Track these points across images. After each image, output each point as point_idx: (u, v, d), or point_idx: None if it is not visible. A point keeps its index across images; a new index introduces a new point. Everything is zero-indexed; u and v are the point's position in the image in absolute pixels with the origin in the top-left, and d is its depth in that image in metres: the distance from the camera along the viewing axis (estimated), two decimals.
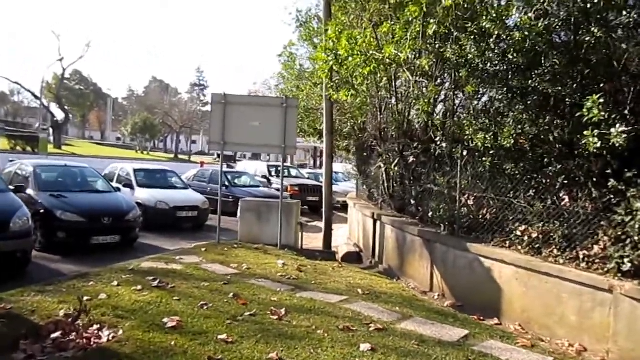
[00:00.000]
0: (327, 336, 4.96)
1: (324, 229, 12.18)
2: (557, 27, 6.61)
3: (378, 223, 10.80)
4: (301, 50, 19.38)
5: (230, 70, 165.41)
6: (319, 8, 16.34)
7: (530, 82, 6.80)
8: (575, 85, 6.49)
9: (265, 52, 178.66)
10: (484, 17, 6.61)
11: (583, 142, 5.73)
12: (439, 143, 8.48)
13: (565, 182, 6.57)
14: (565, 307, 5.84)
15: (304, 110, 16.49)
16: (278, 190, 18.49)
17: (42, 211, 9.63)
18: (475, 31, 6.93)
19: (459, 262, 7.63)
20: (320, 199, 19.27)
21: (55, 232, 9.61)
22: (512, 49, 6.68)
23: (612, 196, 5.77)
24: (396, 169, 10.33)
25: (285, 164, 13.30)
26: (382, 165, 10.80)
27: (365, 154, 13.62)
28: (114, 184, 12.89)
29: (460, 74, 7.28)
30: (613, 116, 5.55)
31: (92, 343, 4.57)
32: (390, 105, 10.79)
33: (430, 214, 8.64)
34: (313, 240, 12.84)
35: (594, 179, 6.20)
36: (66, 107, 71.89)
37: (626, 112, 5.95)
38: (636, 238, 5.28)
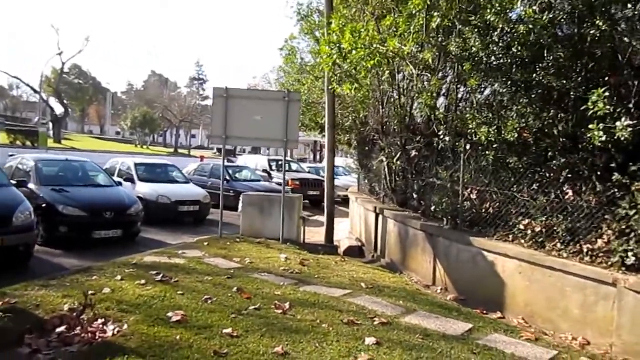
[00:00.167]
0: (332, 330, 4.97)
1: (325, 222, 12.18)
2: (562, 20, 6.57)
3: (380, 217, 10.79)
4: (302, 44, 19.32)
5: (229, 66, 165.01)
6: (320, 1, 16.30)
7: (534, 75, 6.76)
8: (579, 79, 6.47)
9: (263, 47, 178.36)
10: (488, 10, 6.56)
11: (588, 135, 5.70)
12: (442, 137, 8.44)
13: (569, 175, 6.55)
14: (569, 300, 5.83)
15: (305, 104, 16.44)
16: (279, 184, 18.52)
17: (43, 205, 9.62)
18: (479, 24, 6.90)
19: (461, 256, 7.62)
20: (321, 193, 19.32)
21: (57, 226, 9.61)
22: (516, 42, 6.63)
23: (616, 190, 5.76)
24: (398, 162, 10.31)
25: (286, 158, 13.27)
26: (384, 159, 10.78)
27: (366, 148, 13.59)
28: (115, 178, 12.87)
29: (464, 67, 7.24)
30: (618, 110, 5.53)
31: (97, 337, 4.58)
32: (392, 99, 10.76)
33: (433, 207, 8.62)
34: (315, 234, 12.83)
35: (598, 173, 6.18)
36: (65, 101, 71.66)
37: (630, 105, 5.92)
38: None
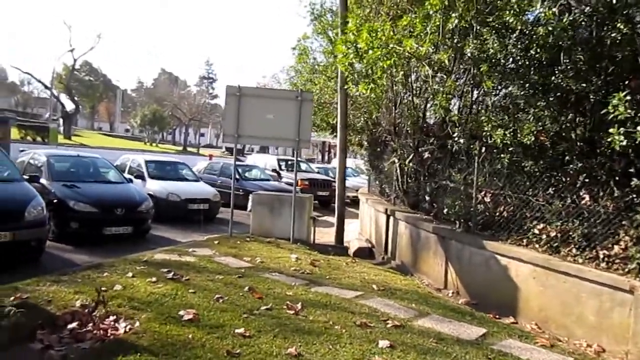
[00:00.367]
0: (345, 332, 4.91)
1: (336, 223, 12.12)
2: (582, 22, 6.49)
3: (391, 219, 10.73)
4: (315, 44, 19.29)
5: (231, 66, 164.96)
6: (333, 1, 16.27)
7: (552, 78, 6.69)
8: (599, 82, 6.38)
9: (269, 48, 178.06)
10: (507, 12, 6.49)
11: (607, 140, 5.62)
12: (456, 139, 8.36)
13: (586, 180, 6.47)
14: (584, 306, 5.76)
15: (317, 104, 16.39)
16: (288, 184, 18.49)
17: (55, 201, 9.62)
18: (498, 26, 6.83)
19: (474, 260, 7.55)
20: (330, 193, 19.30)
21: (68, 222, 9.62)
22: (534, 44, 6.56)
23: (634, 195, 5.68)
24: (410, 164, 10.25)
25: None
26: (396, 161, 10.72)
27: (378, 149, 13.52)
28: (126, 175, 12.88)
29: (480, 69, 7.17)
30: (639, 114, 5.45)
31: (109, 334, 4.53)
32: (405, 100, 10.69)
33: (445, 210, 8.54)
34: (324, 235, 12.80)
35: (616, 178, 6.10)
36: (76, 98, 71.98)
37: None
38: None
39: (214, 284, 6.31)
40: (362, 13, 10.68)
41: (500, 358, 4.69)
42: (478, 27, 7.15)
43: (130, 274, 6.42)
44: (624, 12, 6.02)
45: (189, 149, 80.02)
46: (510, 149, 7.25)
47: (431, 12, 7.26)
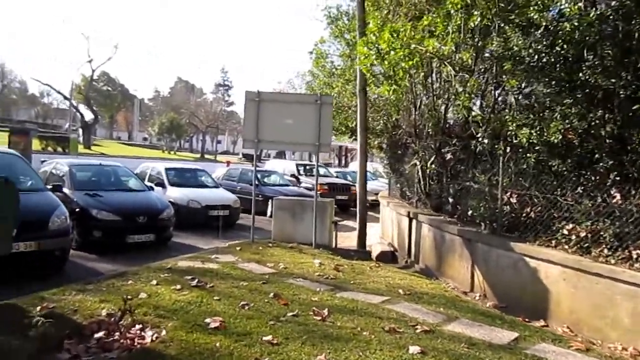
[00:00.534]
0: (374, 338, 4.81)
1: (358, 227, 12.02)
2: (610, 17, 6.32)
3: (414, 222, 10.59)
4: (332, 48, 19.24)
5: (249, 73, 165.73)
6: (350, 4, 16.23)
7: (579, 74, 6.53)
8: (628, 77, 6.21)
9: (283, 54, 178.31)
10: (531, 8, 6.37)
11: (639, 136, 5.46)
12: (480, 139, 8.22)
13: (617, 178, 6.29)
14: (618, 309, 5.58)
15: (335, 108, 16.30)
16: (307, 188, 18.43)
17: (77, 210, 9.66)
18: (521, 22, 6.70)
19: (501, 262, 7.39)
20: (349, 197, 19.19)
21: (91, 230, 9.66)
22: (560, 40, 6.42)
23: None
24: (433, 166, 10.11)
25: (313, 163, 13.17)
26: (418, 163, 10.59)
27: (398, 152, 13.38)
28: (147, 183, 12.92)
29: (504, 67, 7.04)
30: None
31: (135, 343, 4.49)
32: (426, 101, 10.57)
33: (470, 212, 8.40)
34: (345, 239, 12.70)
35: None
36: (95, 108, 72.87)
37: None
38: None
39: (238, 291, 6.25)
40: (380, 15, 10.60)
41: None
42: (501, 25, 7.02)
43: (154, 282, 6.39)
44: None
45: (206, 156, 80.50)
46: (536, 148, 7.10)
47: (452, 11, 7.18)
